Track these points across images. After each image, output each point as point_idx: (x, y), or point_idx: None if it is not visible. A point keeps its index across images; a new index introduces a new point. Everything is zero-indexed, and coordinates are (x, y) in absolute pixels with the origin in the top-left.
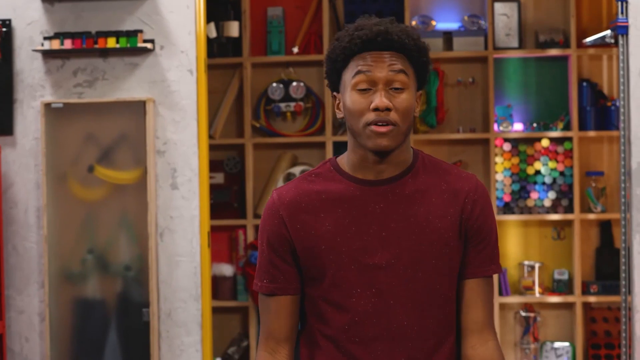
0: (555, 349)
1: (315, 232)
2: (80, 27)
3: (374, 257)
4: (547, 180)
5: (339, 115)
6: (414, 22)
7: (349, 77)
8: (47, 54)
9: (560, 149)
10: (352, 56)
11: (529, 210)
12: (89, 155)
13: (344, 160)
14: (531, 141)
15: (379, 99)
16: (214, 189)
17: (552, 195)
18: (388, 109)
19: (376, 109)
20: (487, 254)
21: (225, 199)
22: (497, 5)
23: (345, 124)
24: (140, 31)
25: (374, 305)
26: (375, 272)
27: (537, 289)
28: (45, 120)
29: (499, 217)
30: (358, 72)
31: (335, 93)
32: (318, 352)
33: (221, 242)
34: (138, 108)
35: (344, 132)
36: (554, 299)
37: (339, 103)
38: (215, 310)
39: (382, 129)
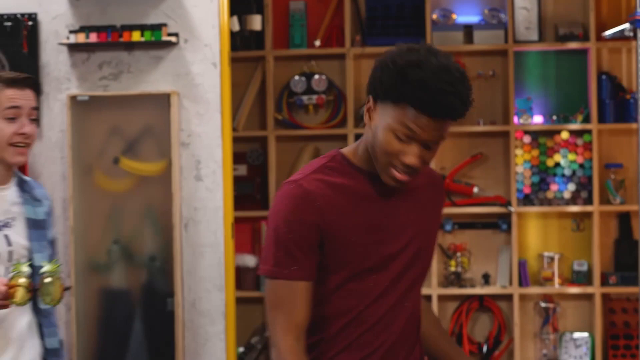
0: (575, 339)
1: (346, 224)
2: (105, 20)
3: (389, 247)
4: (567, 172)
5: (366, 119)
6: (434, 16)
7: (393, 115)
8: (73, 48)
9: (579, 141)
10: (406, 103)
11: (548, 202)
12: (114, 148)
13: (351, 154)
14: (551, 133)
15: (413, 158)
16: (237, 180)
17: (571, 187)
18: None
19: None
20: None
21: (248, 191)
22: None
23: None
24: (165, 25)
25: (387, 287)
26: (389, 260)
27: (556, 280)
28: (71, 112)
29: (519, 209)
30: (404, 125)
31: (371, 96)
32: (331, 338)
33: (244, 233)
34: (162, 101)
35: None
36: (573, 290)
37: (370, 107)
38: (239, 301)
39: (404, 178)
